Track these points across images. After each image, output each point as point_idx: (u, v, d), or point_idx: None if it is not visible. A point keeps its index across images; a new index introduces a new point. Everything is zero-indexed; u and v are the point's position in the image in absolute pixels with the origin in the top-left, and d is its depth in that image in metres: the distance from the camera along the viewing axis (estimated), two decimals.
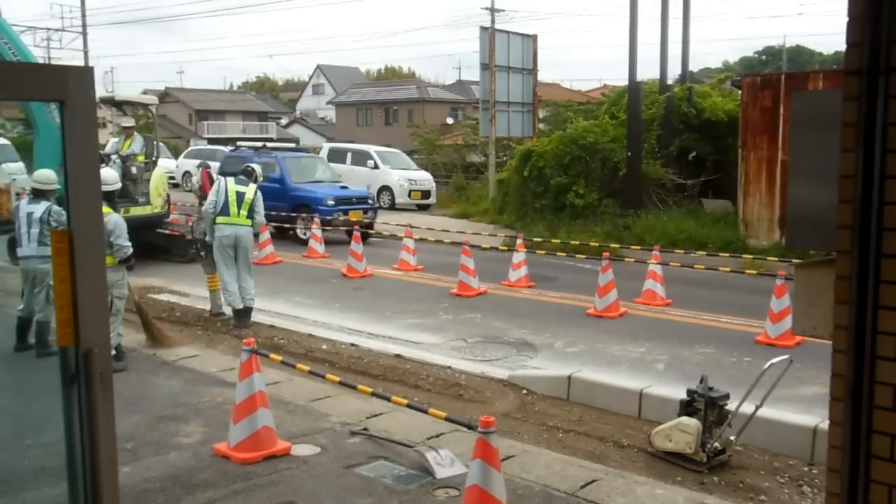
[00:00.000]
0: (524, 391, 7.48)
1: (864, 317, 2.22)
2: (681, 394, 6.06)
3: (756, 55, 69.65)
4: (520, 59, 23.08)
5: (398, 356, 8.43)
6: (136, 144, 14.15)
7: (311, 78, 74.26)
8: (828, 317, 2.40)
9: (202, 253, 10.43)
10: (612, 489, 4.99)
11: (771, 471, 5.74)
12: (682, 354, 8.52)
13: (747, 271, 12.18)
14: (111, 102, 15.96)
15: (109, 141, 15.58)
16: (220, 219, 9.67)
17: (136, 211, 13.65)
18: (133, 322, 9.81)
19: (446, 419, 4.75)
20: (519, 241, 13.18)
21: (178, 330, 9.52)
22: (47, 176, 8.08)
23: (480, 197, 23.79)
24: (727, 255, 13.31)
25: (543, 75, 35.04)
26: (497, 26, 24.26)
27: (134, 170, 13.73)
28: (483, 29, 22.75)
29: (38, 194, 7.99)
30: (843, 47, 2.28)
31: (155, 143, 15.22)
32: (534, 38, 23.61)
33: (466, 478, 4.04)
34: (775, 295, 8.80)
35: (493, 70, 22.00)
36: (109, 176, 8.28)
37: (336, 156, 26.09)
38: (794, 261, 7.12)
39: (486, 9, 26.99)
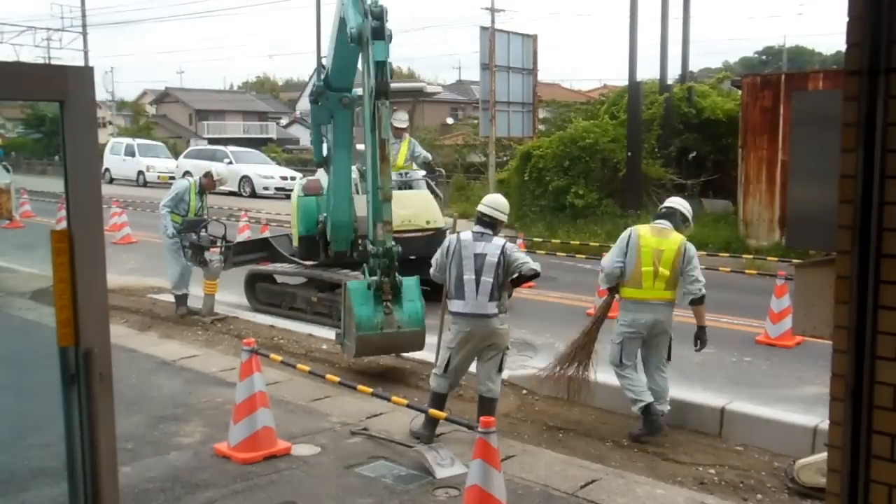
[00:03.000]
0: (524, 391, 7.47)
1: (864, 317, 2.22)
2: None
3: (756, 55, 69.63)
4: (520, 59, 23.03)
5: (398, 356, 8.41)
6: (419, 147, 11.39)
7: (311, 78, 74.03)
8: (828, 317, 2.40)
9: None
10: (612, 489, 4.99)
11: (771, 471, 5.74)
12: (682, 354, 8.50)
13: (747, 271, 12.19)
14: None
15: None
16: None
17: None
18: (134, 322, 9.82)
19: (446, 419, 4.75)
20: (519, 241, 13.18)
21: (180, 330, 9.52)
22: (501, 202, 6.24)
23: (481, 197, 23.77)
24: (727, 255, 13.31)
25: (543, 75, 35.05)
26: (497, 26, 24.22)
27: (438, 179, 10.79)
28: (483, 29, 22.70)
29: (486, 224, 5.99)
30: (843, 47, 2.28)
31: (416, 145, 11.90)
32: (534, 38, 23.57)
33: (466, 478, 4.04)
34: (775, 295, 8.80)
35: (493, 70, 21.95)
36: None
37: None
38: (794, 261, 7.13)
39: (487, 9, 26.94)
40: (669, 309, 6.22)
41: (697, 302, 6.20)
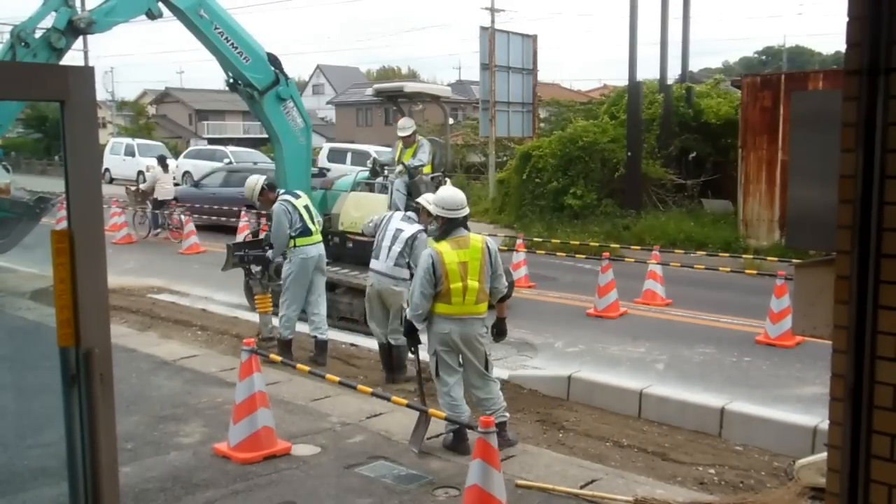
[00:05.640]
0: (525, 390, 7.47)
1: (864, 317, 2.22)
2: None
3: (756, 55, 69.62)
4: (520, 59, 23.06)
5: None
6: (423, 152, 10.22)
7: (311, 78, 74.12)
8: (828, 317, 2.40)
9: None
10: (612, 489, 4.99)
11: (771, 471, 5.74)
12: (682, 354, 8.52)
13: (747, 271, 12.18)
14: (391, 95, 11.43)
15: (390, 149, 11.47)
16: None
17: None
18: (136, 322, 9.82)
19: (446, 419, 4.75)
20: (519, 241, 13.18)
21: (179, 330, 9.52)
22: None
23: (480, 197, 23.79)
24: (727, 255, 13.33)
25: (543, 75, 35.03)
26: (497, 26, 24.23)
27: (423, 187, 9.64)
28: (483, 29, 22.72)
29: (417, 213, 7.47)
30: (843, 47, 2.28)
31: (448, 149, 11.13)
32: (534, 38, 23.59)
33: (466, 478, 4.04)
34: (775, 295, 8.81)
35: (493, 70, 21.98)
36: (455, 198, 6.36)
37: (336, 156, 26.11)
38: (794, 261, 7.13)
39: (487, 9, 26.96)
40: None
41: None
